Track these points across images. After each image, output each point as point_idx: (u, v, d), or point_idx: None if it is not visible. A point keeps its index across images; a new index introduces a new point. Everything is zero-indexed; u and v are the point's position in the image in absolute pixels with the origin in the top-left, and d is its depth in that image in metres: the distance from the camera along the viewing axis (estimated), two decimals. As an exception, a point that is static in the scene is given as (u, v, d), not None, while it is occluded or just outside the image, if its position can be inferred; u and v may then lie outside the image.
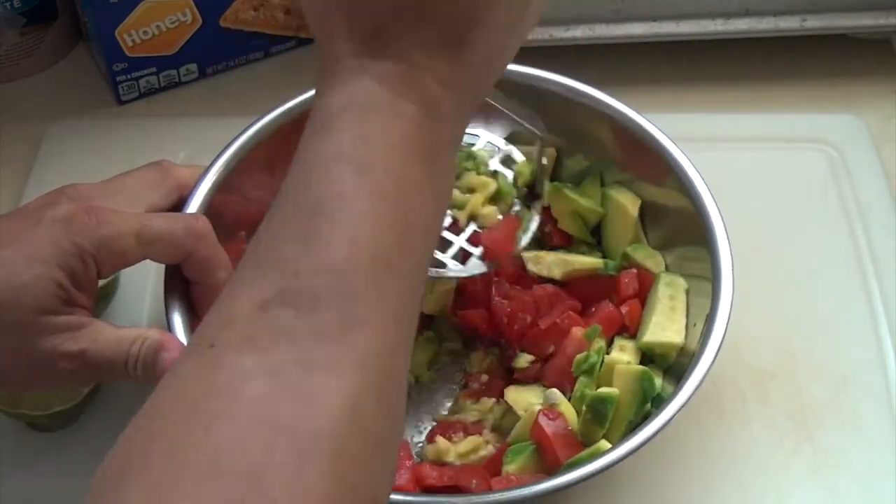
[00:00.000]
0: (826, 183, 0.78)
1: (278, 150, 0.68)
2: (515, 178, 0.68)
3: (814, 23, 0.84)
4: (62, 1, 0.86)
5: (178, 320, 0.60)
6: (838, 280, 0.73)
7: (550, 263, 0.69)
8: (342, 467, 0.35)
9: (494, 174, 0.67)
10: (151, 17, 0.82)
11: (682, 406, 0.58)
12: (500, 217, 0.66)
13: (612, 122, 0.69)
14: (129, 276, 0.70)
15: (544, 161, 0.68)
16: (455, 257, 0.65)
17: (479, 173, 0.67)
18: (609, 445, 0.60)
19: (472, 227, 0.66)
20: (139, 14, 0.81)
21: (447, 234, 0.65)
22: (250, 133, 0.67)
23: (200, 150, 0.67)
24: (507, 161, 0.69)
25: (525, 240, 0.66)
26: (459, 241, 0.65)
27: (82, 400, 0.65)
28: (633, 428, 0.59)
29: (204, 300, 0.61)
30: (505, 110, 0.67)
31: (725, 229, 0.64)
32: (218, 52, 0.86)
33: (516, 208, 0.67)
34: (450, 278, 0.66)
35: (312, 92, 0.67)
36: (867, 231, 0.75)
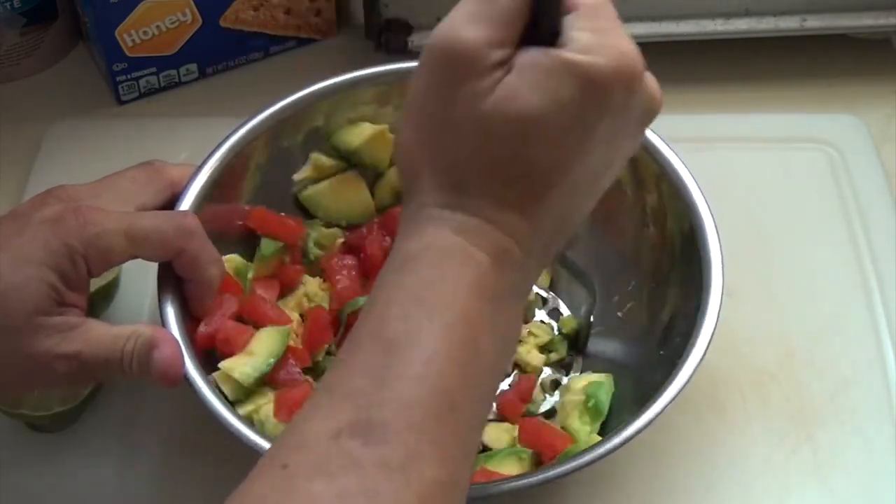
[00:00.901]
0: (826, 183, 0.78)
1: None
2: (560, 330, 0.70)
3: (814, 23, 0.84)
4: (62, 1, 0.86)
5: (171, 316, 0.60)
6: (838, 280, 0.73)
7: None
8: None
9: (542, 324, 0.70)
10: (151, 17, 0.82)
11: (674, 398, 0.57)
12: (548, 370, 0.68)
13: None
14: (129, 276, 0.71)
15: (591, 319, 0.69)
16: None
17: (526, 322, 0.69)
18: (599, 438, 0.60)
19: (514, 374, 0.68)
20: (139, 14, 0.81)
21: None
22: (242, 132, 0.67)
23: (200, 150, 0.67)
24: (553, 313, 0.71)
25: (555, 399, 0.67)
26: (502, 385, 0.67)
27: (82, 400, 0.65)
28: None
29: (196, 296, 0.61)
30: (559, 265, 0.70)
31: (714, 223, 0.64)
32: (218, 52, 0.86)
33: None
34: None
35: (308, 91, 0.69)
36: (867, 231, 0.75)
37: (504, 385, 0.67)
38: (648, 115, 0.49)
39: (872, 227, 0.76)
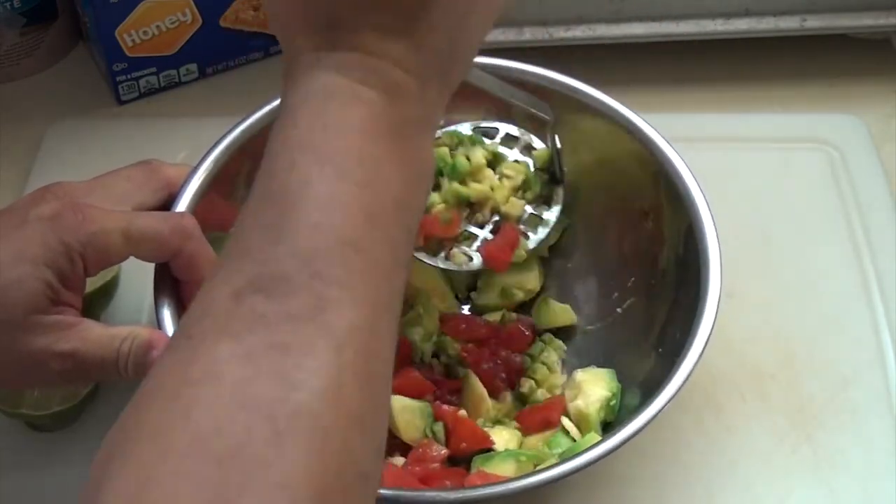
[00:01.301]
0: (826, 183, 0.78)
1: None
2: (534, 165, 0.69)
3: (814, 23, 0.84)
4: (62, 1, 0.86)
5: (167, 318, 0.60)
6: (838, 280, 0.73)
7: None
8: (322, 444, 0.36)
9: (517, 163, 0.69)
10: (151, 17, 0.82)
11: (672, 397, 0.57)
12: (528, 208, 0.68)
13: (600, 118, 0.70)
14: (128, 276, 0.70)
15: (558, 145, 0.68)
16: (479, 250, 0.67)
17: (496, 164, 0.68)
18: (598, 437, 0.60)
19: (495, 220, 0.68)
20: (139, 14, 0.81)
21: (472, 228, 0.67)
22: (238, 131, 0.67)
23: (200, 150, 0.66)
24: (527, 149, 0.69)
25: (542, 233, 0.68)
26: (484, 234, 0.67)
27: (82, 400, 0.65)
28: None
29: (192, 298, 0.61)
30: (510, 98, 0.68)
31: (713, 220, 0.64)
32: (218, 52, 0.86)
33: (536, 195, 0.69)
34: (442, 269, 0.67)
35: None
36: (867, 231, 0.75)
37: (486, 234, 0.67)
38: None
39: (872, 227, 0.76)
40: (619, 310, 0.69)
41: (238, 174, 0.68)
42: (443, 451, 0.63)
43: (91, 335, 0.55)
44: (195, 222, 0.60)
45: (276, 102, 0.68)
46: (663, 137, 0.67)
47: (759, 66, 0.87)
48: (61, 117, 0.84)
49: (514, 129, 0.70)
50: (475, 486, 0.58)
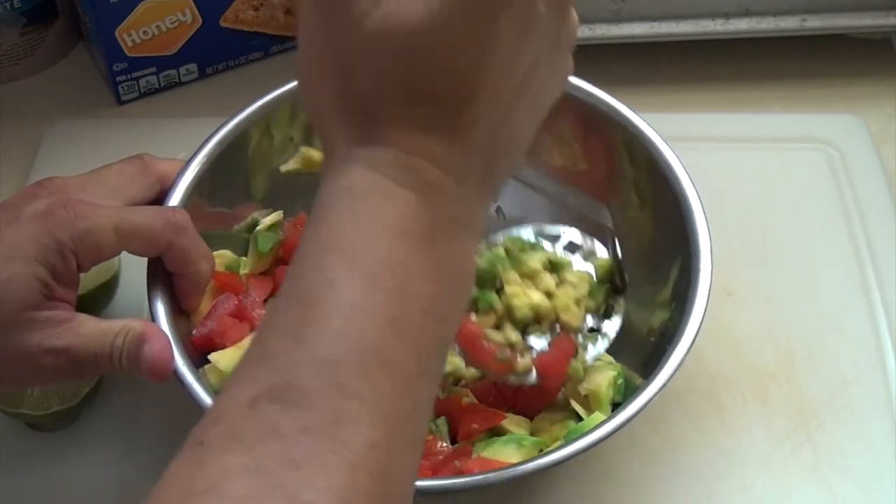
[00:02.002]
0: (826, 183, 0.78)
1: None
2: (595, 273, 0.66)
3: (814, 23, 0.84)
4: (62, 1, 0.86)
5: (160, 310, 0.60)
6: (838, 280, 0.73)
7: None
8: None
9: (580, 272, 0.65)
10: (151, 17, 0.82)
11: (664, 385, 0.57)
12: (588, 318, 0.64)
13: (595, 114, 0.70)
14: (129, 275, 0.70)
15: (619, 254, 0.66)
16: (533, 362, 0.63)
17: (558, 270, 0.64)
18: (603, 417, 0.59)
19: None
20: (139, 14, 0.81)
21: (532, 339, 0.63)
22: (230, 127, 0.68)
23: (200, 150, 0.67)
24: (590, 256, 0.67)
25: (602, 346, 0.64)
26: (541, 344, 0.63)
27: (82, 400, 0.65)
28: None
29: (185, 291, 0.61)
30: (565, 201, 0.67)
31: (703, 210, 0.64)
32: (218, 52, 0.86)
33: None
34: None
35: (294, 84, 0.69)
36: (867, 231, 0.75)
37: (543, 345, 0.63)
38: (563, 4, 0.43)
39: (872, 227, 0.76)
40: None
41: (231, 169, 0.68)
42: (447, 447, 0.63)
43: (84, 330, 0.55)
44: (187, 217, 0.60)
45: (270, 97, 0.69)
46: (658, 133, 0.67)
47: (759, 66, 0.87)
48: (61, 117, 0.84)
49: (577, 235, 0.67)
50: (471, 474, 0.57)
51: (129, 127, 0.83)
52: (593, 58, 0.80)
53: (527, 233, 0.67)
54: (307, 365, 0.37)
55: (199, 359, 0.61)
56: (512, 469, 0.55)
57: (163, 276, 0.61)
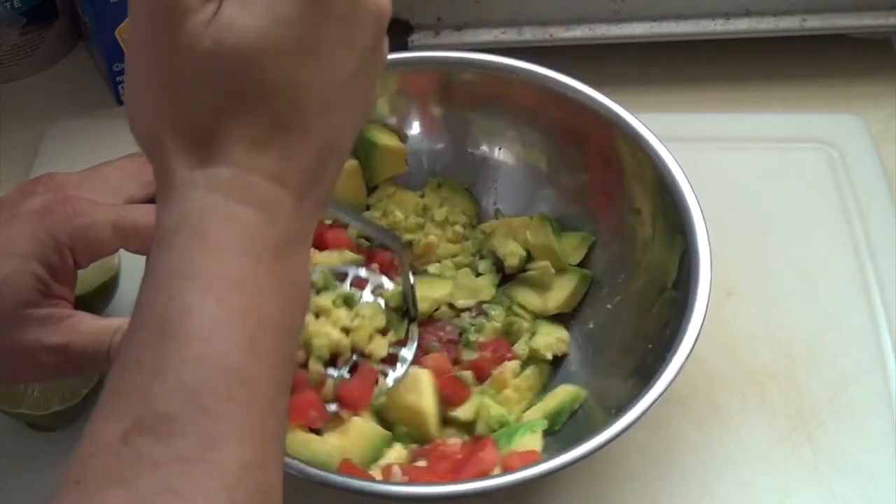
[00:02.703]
0: (826, 183, 0.78)
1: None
2: (387, 305, 0.68)
3: (814, 23, 0.84)
4: (62, 1, 0.86)
5: None
6: (838, 280, 0.73)
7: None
8: None
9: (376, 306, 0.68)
10: (151, 17, 0.82)
11: (662, 393, 0.58)
12: (389, 348, 0.66)
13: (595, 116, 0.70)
14: (129, 275, 0.70)
15: (412, 279, 0.68)
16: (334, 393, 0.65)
17: (350, 305, 0.67)
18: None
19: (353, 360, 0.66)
20: (139, 14, 0.81)
21: (330, 371, 0.65)
22: None
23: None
24: (377, 289, 0.69)
25: (401, 371, 0.66)
26: (340, 373, 0.65)
27: (82, 399, 0.65)
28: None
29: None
30: (365, 229, 0.69)
31: (703, 216, 0.64)
32: (218, 52, 0.86)
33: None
34: None
35: None
36: (867, 231, 0.75)
37: (343, 373, 0.65)
38: (379, 17, 0.44)
39: (872, 227, 0.76)
40: (609, 306, 0.69)
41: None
42: (458, 441, 0.64)
43: (83, 327, 0.55)
44: None
45: None
46: (656, 136, 0.67)
47: (759, 66, 0.87)
48: (61, 117, 0.84)
49: (363, 272, 0.69)
50: (462, 481, 0.58)
51: (128, 127, 0.83)
52: (593, 58, 0.81)
53: (314, 273, 0.68)
54: (173, 393, 0.38)
55: None
56: (515, 474, 0.56)
57: None
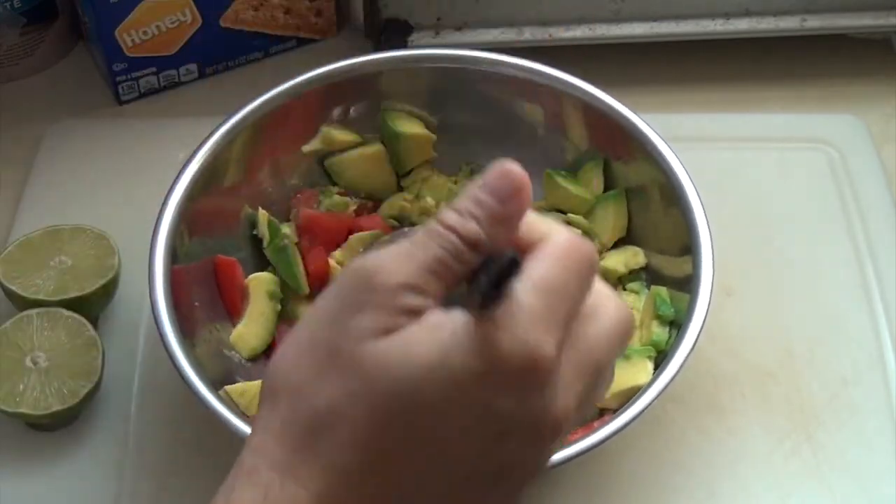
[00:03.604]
0: (826, 183, 0.78)
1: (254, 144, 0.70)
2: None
3: (814, 23, 0.84)
4: (62, 1, 0.86)
5: (163, 311, 0.61)
6: (838, 280, 0.73)
7: None
8: None
9: None
10: (151, 17, 0.82)
11: (666, 386, 0.58)
12: None
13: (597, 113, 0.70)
14: (129, 274, 0.70)
15: None
16: None
17: None
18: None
19: None
20: (139, 14, 0.81)
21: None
22: (225, 129, 0.68)
23: (200, 151, 0.67)
24: None
25: None
26: None
27: (82, 400, 0.65)
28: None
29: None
30: None
31: (706, 215, 0.64)
32: (218, 52, 0.86)
33: None
34: None
35: (288, 84, 0.70)
36: (867, 231, 0.75)
37: None
38: (554, 432, 0.39)
39: (872, 227, 0.76)
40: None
41: (225, 162, 0.69)
42: None
43: None
44: None
45: (269, 94, 0.69)
46: (658, 133, 0.67)
47: (759, 66, 0.87)
48: (61, 117, 0.84)
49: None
50: None
51: (129, 127, 0.83)
52: (593, 58, 0.81)
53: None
54: None
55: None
56: None
57: (163, 275, 0.61)
